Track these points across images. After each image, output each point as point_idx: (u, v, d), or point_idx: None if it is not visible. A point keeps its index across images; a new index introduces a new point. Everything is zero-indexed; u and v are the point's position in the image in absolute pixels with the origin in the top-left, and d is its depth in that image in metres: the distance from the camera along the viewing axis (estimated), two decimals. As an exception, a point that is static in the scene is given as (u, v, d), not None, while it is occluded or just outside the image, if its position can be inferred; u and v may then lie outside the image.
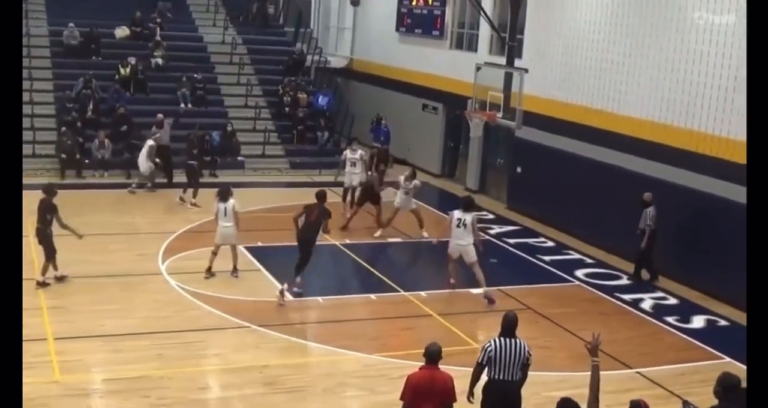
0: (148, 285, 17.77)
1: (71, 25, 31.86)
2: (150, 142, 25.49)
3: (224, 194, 18.36)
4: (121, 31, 33.33)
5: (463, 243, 17.86)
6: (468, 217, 17.86)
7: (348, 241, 21.55)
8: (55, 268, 17.23)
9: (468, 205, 18.21)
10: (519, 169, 25.93)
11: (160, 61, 32.26)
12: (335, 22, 38.96)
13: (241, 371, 14.01)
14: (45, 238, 17.05)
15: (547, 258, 21.35)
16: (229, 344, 15.16)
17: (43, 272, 16.99)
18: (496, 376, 10.65)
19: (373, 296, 17.93)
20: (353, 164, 23.61)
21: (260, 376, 13.91)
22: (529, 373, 10.83)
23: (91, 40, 31.98)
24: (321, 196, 17.85)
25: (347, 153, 23.93)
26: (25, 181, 26.24)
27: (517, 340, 10.68)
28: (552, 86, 24.14)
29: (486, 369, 10.68)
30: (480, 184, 28.64)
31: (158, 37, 32.94)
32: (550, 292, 18.92)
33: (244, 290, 17.53)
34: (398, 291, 18.26)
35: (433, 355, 10.10)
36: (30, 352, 14.09)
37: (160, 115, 26.88)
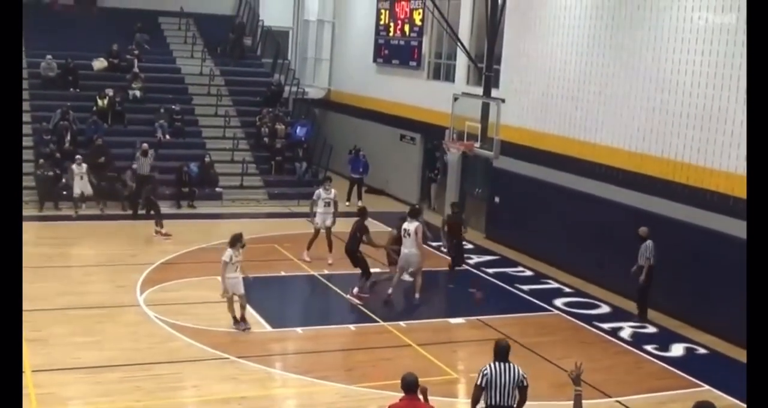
0: (126, 316, 17.67)
1: (48, 56, 31.85)
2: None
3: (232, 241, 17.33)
4: (99, 63, 33.30)
5: (406, 251, 19.25)
6: (412, 226, 19.23)
7: (326, 272, 21.50)
8: None
9: (414, 214, 19.71)
10: (497, 199, 25.99)
11: (137, 92, 32.23)
12: (312, 53, 39.12)
13: (219, 403, 13.92)
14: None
15: (525, 287, 21.36)
16: (208, 376, 15.06)
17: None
18: (494, 402, 10.69)
19: (352, 327, 17.89)
20: (327, 204, 22.61)
21: (239, 407, 13.82)
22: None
23: (69, 71, 31.95)
24: (360, 213, 20.06)
25: (321, 192, 22.77)
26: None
27: (512, 365, 10.77)
28: (529, 116, 24.27)
29: (483, 394, 10.71)
30: (458, 213, 28.63)
31: (136, 69, 32.96)
32: (529, 321, 18.91)
33: (223, 321, 17.44)
34: (377, 321, 18.22)
35: (410, 385, 10.03)
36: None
37: (144, 145, 26.97)
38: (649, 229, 18.85)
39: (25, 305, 15.13)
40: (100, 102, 30.80)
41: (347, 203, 30.19)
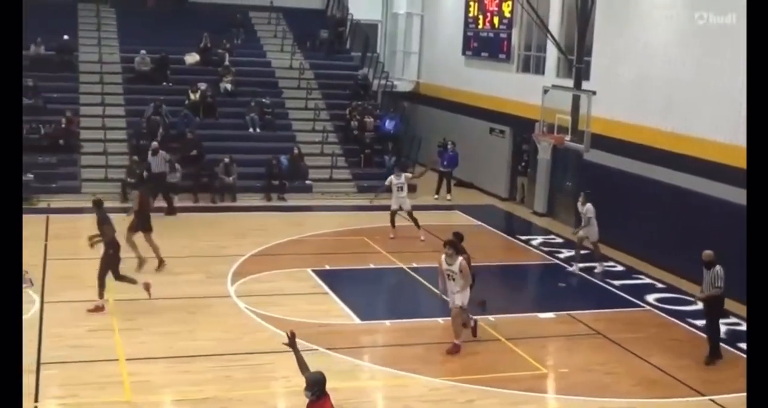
0: (217, 307, 17.90)
1: (143, 51, 32.44)
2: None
3: None
4: (191, 58, 33.81)
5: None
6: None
7: (415, 265, 21.50)
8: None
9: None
10: (587, 192, 25.65)
11: (228, 86, 32.63)
12: (401, 46, 39.13)
13: (309, 394, 14.00)
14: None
15: (616, 282, 21.08)
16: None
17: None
18: None
19: (440, 320, 17.83)
20: (400, 189, 23.95)
21: (328, 399, 13.89)
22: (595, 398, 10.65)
23: (162, 66, 32.50)
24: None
25: (392, 178, 24.31)
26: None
27: None
28: (621, 108, 23.92)
29: None
30: (548, 207, 28.43)
31: (227, 63, 33.36)
32: (619, 317, 18.67)
33: (313, 313, 17.56)
34: (466, 315, 18.15)
35: (317, 383, 9.83)
36: (102, 373, 14.35)
37: (154, 143, 27.20)
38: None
39: (119, 296, 15.55)
40: (192, 96, 31.24)
41: (436, 196, 30.22)
